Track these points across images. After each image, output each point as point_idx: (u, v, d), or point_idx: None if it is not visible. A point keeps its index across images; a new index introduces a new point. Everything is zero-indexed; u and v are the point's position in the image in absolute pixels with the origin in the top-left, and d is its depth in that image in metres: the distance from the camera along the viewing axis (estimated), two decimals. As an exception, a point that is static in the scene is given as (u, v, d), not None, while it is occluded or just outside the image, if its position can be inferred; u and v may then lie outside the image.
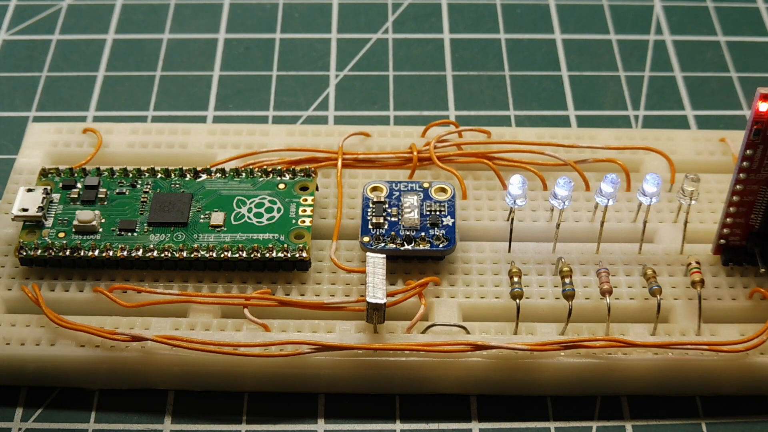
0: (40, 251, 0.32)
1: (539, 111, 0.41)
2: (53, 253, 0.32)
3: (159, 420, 0.31)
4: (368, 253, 0.31)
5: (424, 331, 0.31)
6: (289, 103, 0.41)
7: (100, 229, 0.33)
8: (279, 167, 0.35)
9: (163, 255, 0.32)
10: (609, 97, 0.42)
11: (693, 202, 0.32)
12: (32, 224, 0.33)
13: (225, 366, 0.30)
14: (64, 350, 0.31)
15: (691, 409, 0.31)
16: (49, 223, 0.33)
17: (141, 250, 0.32)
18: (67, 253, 0.32)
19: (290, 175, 0.34)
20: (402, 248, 0.32)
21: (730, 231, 0.32)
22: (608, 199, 0.32)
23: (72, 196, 0.34)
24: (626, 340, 0.30)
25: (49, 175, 0.35)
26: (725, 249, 0.33)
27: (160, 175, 0.35)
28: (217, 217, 0.33)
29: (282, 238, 0.32)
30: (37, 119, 0.40)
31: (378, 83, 0.42)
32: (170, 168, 0.35)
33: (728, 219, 0.32)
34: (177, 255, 0.32)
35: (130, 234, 0.33)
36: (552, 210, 0.34)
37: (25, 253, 0.32)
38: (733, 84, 0.42)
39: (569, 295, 0.31)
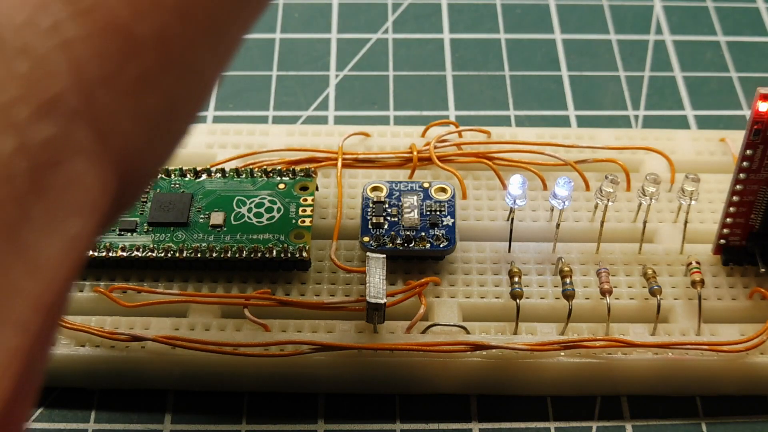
0: (40, 251, 0.32)
1: (539, 111, 0.41)
2: (53, 253, 0.32)
3: (159, 420, 0.31)
4: (368, 253, 0.31)
5: (424, 331, 0.31)
6: (289, 103, 0.41)
7: (100, 229, 0.33)
8: (279, 167, 0.35)
9: (163, 255, 0.32)
10: (609, 97, 0.42)
11: (693, 202, 0.32)
12: (32, 224, 0.33)
13: (225, 366, 0.30)
14: (64, 350, 0.31)
15: (691, 409, 0.31)
16: (49, 223, 0.33)
17: (141, 250, 0.32)
18: (67, 253, 0.32)
19: (290, 175, 0.34)
20: (402, 248, 0.32)
21: (730, 231, 0.32)
22: (607, 200, 0.32)
23: (72, 196, 0.34)
24: (626, 340, 0.30)
25: (49, 175, 0.35)
26: (725, 249, 0.33)
27: (160, 175, 0.35)
28: (217, 217, 0.33)
29: (282, 238, 0.32)
30: (37, 119, 0.40)
31: (378, 83, 0.42)
32: (170, 168, 0.35)
33: (728, 219, 0.32)
34: (177, 255, 0.32)
35: (130, 234, 0.33)
36: (552, 210, 0.34)
37: (25, 253, 0.32)
38: (733, 84, 0.42)
39: (569, 295, 0.31)
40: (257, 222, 0.33)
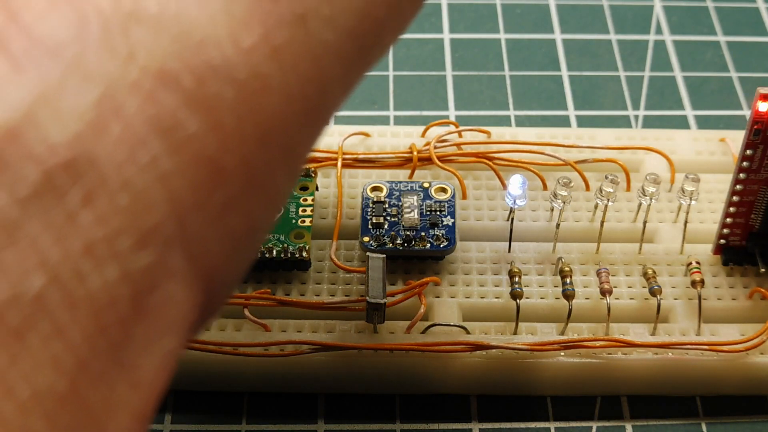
0: (40, 251, 0.32)
1: (539, 111, 0.41)
2: (53, 253, 0.32)
3: (159, 420, 0.31)
4: (368, 253, 0.31)
5: (424, 331, 0.31)
6: (289, 103, 0.41)
7: (100, 229, 0.33)
8: (279, 167, 0.35)
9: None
10: (609, 97, 0.42)
11: (693, 202, 0.32)
12: (32, 224, 0.33)
13: (225, 366, 0.30)
14: (64, 350, 0.30)
15: (691, 409, 0.31)
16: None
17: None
18: (67, 253, 0.32)
19: (290, 175, 0.34)
20: (402, 248, 0.32)
21: (730, 231, 0.32)
22: (607, 200, 0.32)
23: (72, 196, 0.34)
24: (626, 340, 0.30)
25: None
26: (725, 249, 0.33)
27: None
28: (217, 217, 0.33)
29: (282, 238, 0.32)
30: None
31: (378, 83, 0.42)
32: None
33: (728, 219, 0.32)
34: (177, 255, 0.32)
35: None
36: (552, 210, 0.34)
37: (25, 253, 0.32)
38: (733, 84, 0.42)
39: (569, 295, 0.31)
40: (257, 222, 0.33)
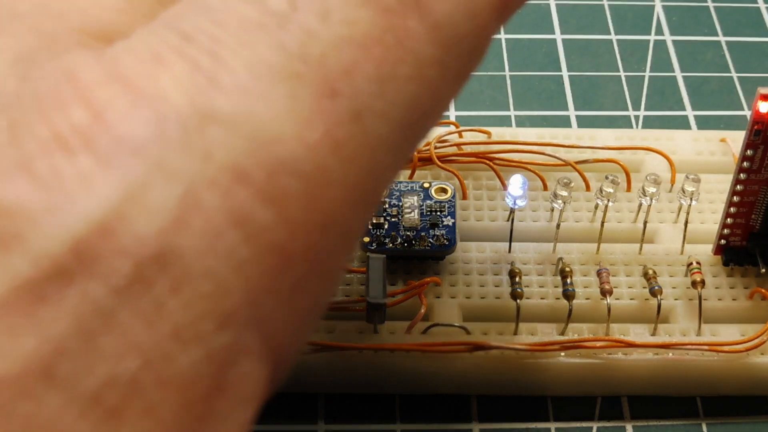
0: (39, 251, 0.32)
1: (539, 111, 0.41)
2: (53, 253, 0.32)
3: (159, 420, 0.31)
4: (368, 254, 0.31)
5: (424, 332, 0.31)
6: (289, 103, 0.41)
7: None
8: (279, 167, 0.35)
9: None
10: (609, 98, 0.42)
11: (693, 202, 0.32)
12: (32, 224, 0.33)
13: (225, 366, 0.30)
14: (63, 350, 0.30)
15: (691, 409, 0.31)
16: (48, 223, 0.33)
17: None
18: (67, 253, 0.32)
19: (290, 175, 0.34)
20: (402, 248, 0.32)
21: (730, 231, 0.32)
22: (608, 200, 0.32)
23: (72, 195, 0.34)
24: (626, 341, 0.30)
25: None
26: (726, 249, 0.33)
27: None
28: (217, 217, 0.33)
29: (282, 238, 0.32)
30: (36, 119, 0.40)
31: (378, 83, 0.42)
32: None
33: (728, 219, 0.32)
34: (177, 255, 0.32)
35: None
36: (552, 210, 0.34)
37: (24, 253, 0.32)
38: (734, 84, 0.42)
39: (569, 296, 0.31)
40: (257, 222, 0.33)
